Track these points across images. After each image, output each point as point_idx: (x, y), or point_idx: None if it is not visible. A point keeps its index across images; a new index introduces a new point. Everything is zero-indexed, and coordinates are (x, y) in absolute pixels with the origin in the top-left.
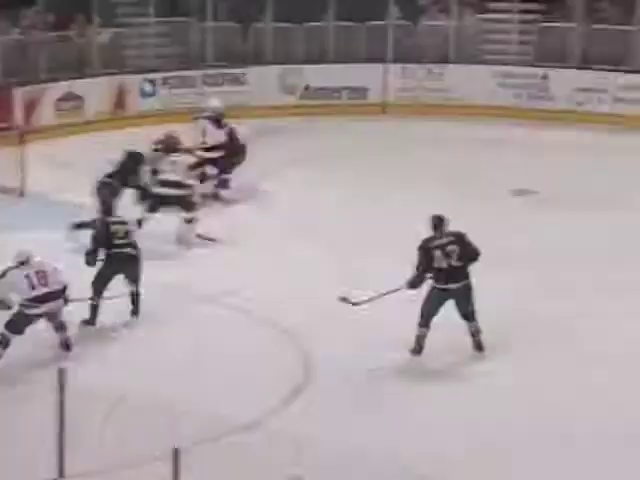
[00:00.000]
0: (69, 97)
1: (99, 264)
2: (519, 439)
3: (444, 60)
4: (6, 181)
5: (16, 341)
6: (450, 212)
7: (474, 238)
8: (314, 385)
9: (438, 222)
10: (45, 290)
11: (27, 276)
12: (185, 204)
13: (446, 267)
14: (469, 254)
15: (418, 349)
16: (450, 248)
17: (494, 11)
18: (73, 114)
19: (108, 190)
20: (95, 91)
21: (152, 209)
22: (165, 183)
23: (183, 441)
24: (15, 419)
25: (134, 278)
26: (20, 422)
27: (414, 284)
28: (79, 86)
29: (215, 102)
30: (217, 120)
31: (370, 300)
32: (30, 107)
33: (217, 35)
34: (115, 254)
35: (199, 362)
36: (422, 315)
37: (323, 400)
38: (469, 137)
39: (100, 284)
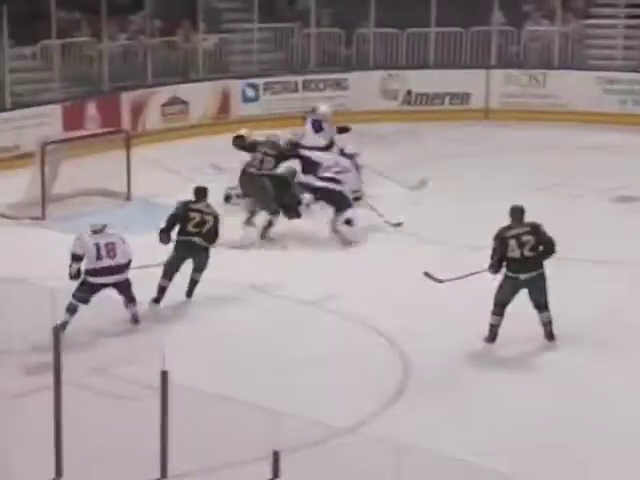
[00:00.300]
0: (174, 102)
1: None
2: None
3: (548, 66)
4: (113, 185)
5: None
6: (551, 216)
7: (574, 241)
8: (411, 386)
9: (517, 212)
10: (111, 262)
11: (96, 245)
12: (340, 201)
13: (518, 257)
14: (544, 245)
15: (492, 337)
16: (525, 238)
17: (598, 16)
18: (178, 118)
19: (250, 181)
20: (199, 96)
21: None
22: (322, 179)
23: (283, 443)
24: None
25: (199, 267)
26: (113, 415)
27: (493, 270)
28: (184, 91)
29: (323, 108)
30: (319, 124)
31: (454, 279)
32: (137, 111)
33: (319, 41)
34: (183, 241)
35: (299, 364)
36: (496, 304)
37: (420, 401)
38: (573, 143)
39: (170, 267)
